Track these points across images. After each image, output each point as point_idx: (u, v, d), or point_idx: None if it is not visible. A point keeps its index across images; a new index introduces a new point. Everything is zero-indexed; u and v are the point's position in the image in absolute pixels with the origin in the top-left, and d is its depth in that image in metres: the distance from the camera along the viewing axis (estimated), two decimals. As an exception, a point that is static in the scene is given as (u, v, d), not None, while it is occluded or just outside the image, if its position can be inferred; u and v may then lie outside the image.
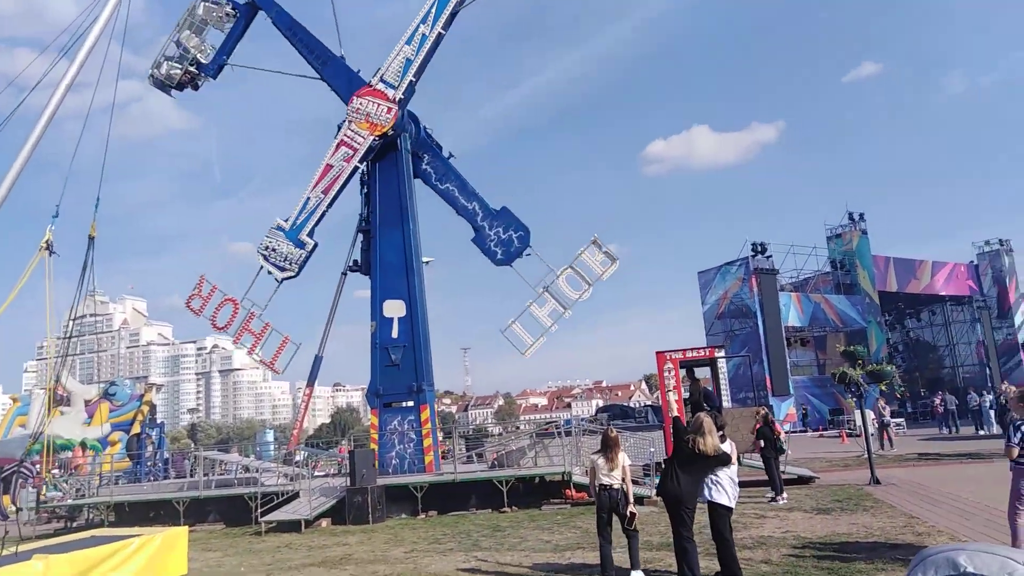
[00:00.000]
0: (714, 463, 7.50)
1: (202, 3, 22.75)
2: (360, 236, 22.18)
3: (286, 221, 21.72)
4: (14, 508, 11.51)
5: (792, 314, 45.52)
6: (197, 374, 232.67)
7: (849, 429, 33.55)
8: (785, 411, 41.80)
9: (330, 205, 21.74)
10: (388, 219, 21.30)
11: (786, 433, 22.97)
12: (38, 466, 27.73)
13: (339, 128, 21.59)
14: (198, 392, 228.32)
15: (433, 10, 20.92)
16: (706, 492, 7.72)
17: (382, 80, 21.27)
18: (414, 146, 22.20)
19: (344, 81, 21.88)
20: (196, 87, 23.56)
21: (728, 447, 8.05)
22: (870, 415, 24.91)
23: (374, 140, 21.14)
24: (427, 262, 38.45)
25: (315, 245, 21.74)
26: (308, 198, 21.66)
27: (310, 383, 24.08)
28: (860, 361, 21.10)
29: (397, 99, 21.12)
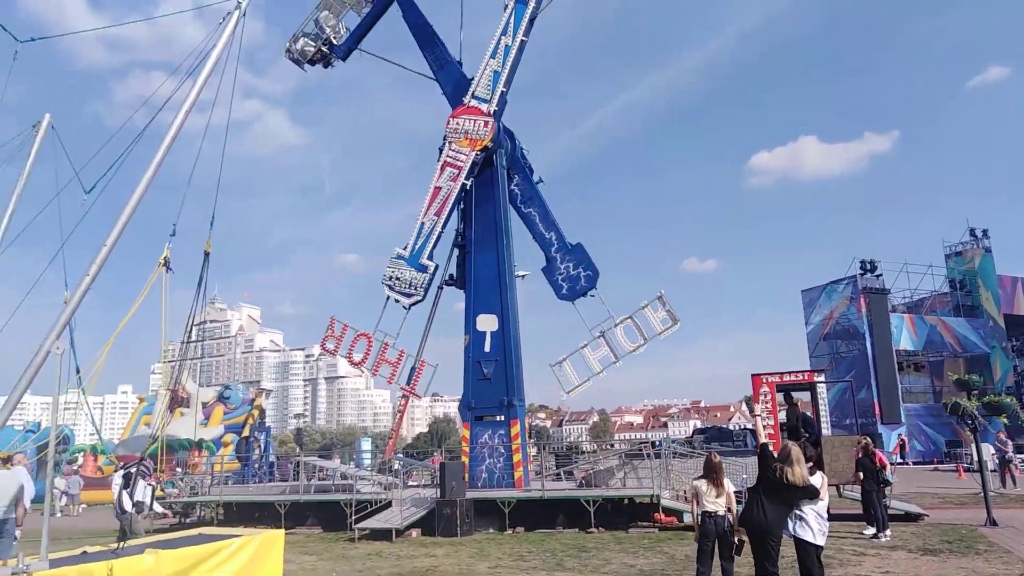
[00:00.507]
0: (801, 495, 7.28)
1: None
2: (456, 251, 22.73)
3: (404, 248, 22.06)
4: (132, 504, 12.46)
5: (905, 337, 43.05)
6: (305, 380, 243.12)
7: (967, 464, 31.31)
8: (895, 440, 39.47)
9: (444, 225, 22.15)
10: (483, 235, 21.73)
11: (893, 465, 21.72)
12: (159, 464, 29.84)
13: (440, 151, 22.21)
14: (305, 398, 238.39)
15: (512, 20, 21.51)
16: (790, 526, 7.48)
17: (474, 96, 21.79)
18: (508, 163, 22.61)
19: (453, 87, 22.61)
20: (326, 65, 24.66)
21: (817, 479, 7.77)
22: (989, 449, 23.25)
23: (476, 155, 21.64)
24: (522, 276, 38.66)
25: (436, 267, 22.06)
26: (423, 223, 22.10)
27: (406, 395, 24.76)
28: (976, 391, 19.59)
29: (491, 111, 21.59)
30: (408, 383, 23.22)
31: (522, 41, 21.67)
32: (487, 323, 21.07)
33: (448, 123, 21.87)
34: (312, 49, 24.08)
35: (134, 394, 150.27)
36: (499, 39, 21.64)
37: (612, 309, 20.58)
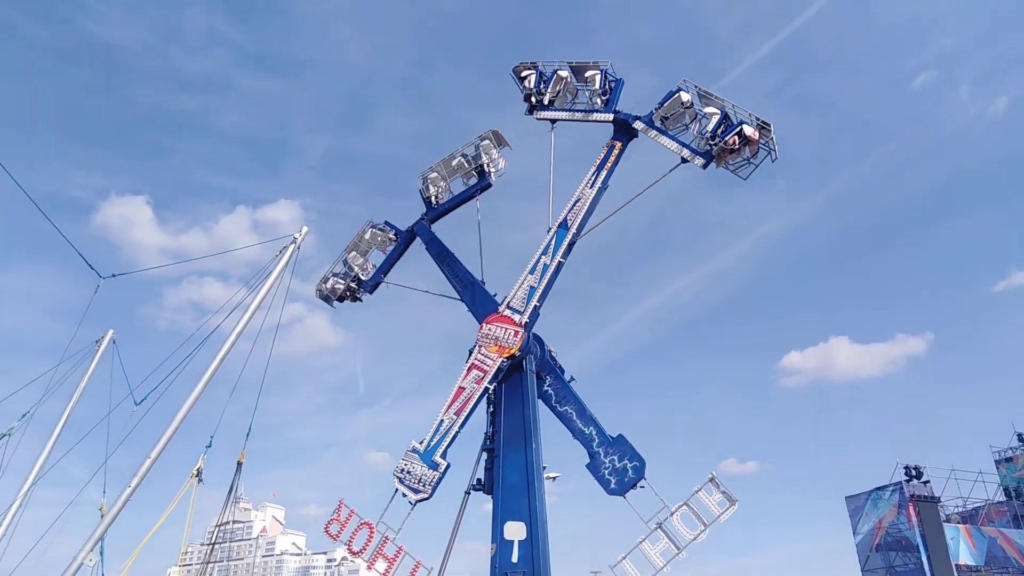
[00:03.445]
0: None
1: (370, 229, 25.89)
2: (484, 455, 22.64)
3: (421, 443, 22.38)
4: None
5: (963, 550, 40.26)
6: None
7: None
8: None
9: (462, 426, 22.54)
10: (512, 440, 21.78)
11: None
12: None
13: (470, 353, 23.04)
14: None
15: (552, 243, 23.02)
16: None
17: (508, 307, 22.93)
18: (537, 367, 23.20)
19: (481, 305, 23.75)
20: (355, 299, 26.18)
21: None
22: None
23: (503, 362, 22.33)
24: (553, 478, 37.86)
25: (448, 466, 22.13)
26: (441, 420, 22.54)
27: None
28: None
29: (523, 323, 22.54)
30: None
31: (559, 263, 23.00)
32: (515, 531, 20.51)
33: (481, 328, 22.88)
34: (341, 287, 25.82)
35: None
36: (539, 258, 23.05)
37: (666, 497, 20.00)
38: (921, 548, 39.02)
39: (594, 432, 21.67)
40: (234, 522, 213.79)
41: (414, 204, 25.95)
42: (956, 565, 39.17)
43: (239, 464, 10.51)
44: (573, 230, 23.04)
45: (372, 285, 25.97)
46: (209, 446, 10.88)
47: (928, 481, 41.51)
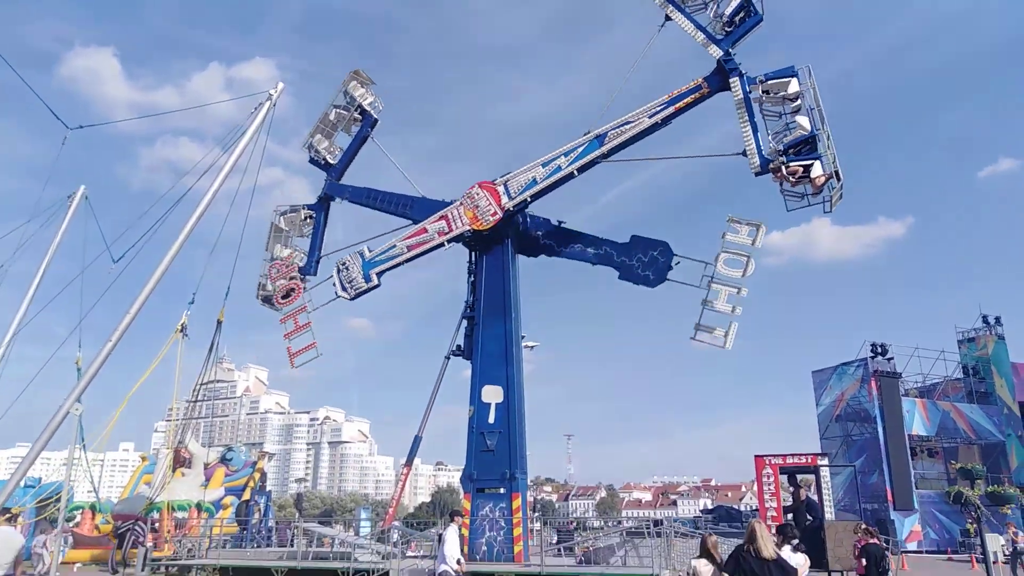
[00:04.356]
0: (776, 572, 7.20)
1: (281, 217, 24.77)
2: (464, 322, 22.97)
3: (370, 252, 23.21)
4: (126, 564, 12.43)
5: (917, 422, 42.49)
6: (308, 444, 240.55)
7: (979, 555, 30.50)
8: (909, 528, 38.53)
9: (408, 261, 22.89)
10: (491, 310, 21.98)
11: (904, 554, 21.25)
12: (156, 524, 29.49)
13: (450, 203, 22.60)
14: (307, 462, 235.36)
15: (579, 150, 21.03)
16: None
17: (504, 185, 21.90)
18: (524, 232, 23.00)
19: (431, 211, 22.91)
20: (302, 287, 24.16)
21: (799, 559, 7.74)
22: (999, 540, 22.71)
23: (468, 231, 22.10)
24: (531, 346, 38.50)
25: (378, 285, 23.03)
26: (395, 244, 22.93)
27: (408, 462, 24.67)
28: (981, 480, 19.25)
29: (506, 208, 21.70)
30: (410, 459, 23.22)
31: (572, 173, 21.12)
32: (492, 395, 21.13)
33: (472, 188, 22.19)
34: (283, 284, 23.95)
35: (136, 452, 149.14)
36: (558, 155, 21.25)
37: (701, 257, 20.35)
38: (878, 419, 41.03)
39: (608, 248, 21.94)
40: (217, 381, 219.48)
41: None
42: (909, 435, 41.44)
43: (219, 323, 10.48)
44: (605, 150, 20.75)
45: (314, 265, 24.65)
46: (192, 302, 10.83)
47: (892, 358, 43.05)
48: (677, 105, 20.01)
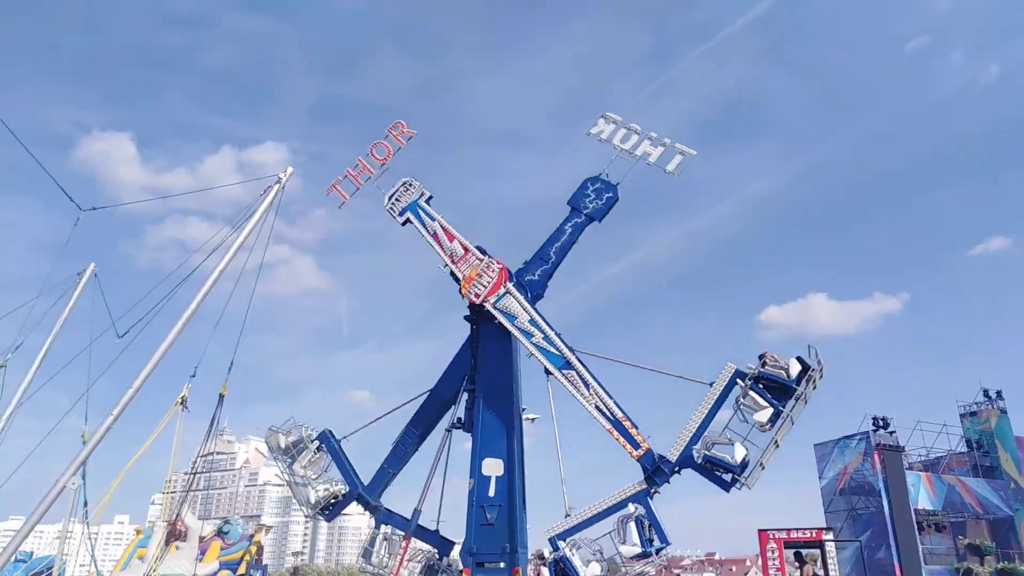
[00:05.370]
0: None
1: None
2: (465, 395, 23.05)
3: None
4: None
5: (923, 496, 41.92)
6: (306, 516, 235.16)
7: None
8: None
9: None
10: (492, 382, 22.15)
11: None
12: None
13: (460, 294, 22.74)
14: (305, 535, 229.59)
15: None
16: None
17: (518, 282, 22.36)
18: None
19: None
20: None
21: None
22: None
23: (460, 293, 22.53)
24: (532, 419, 38.52)
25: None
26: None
27: (407, 535, 24.37)
28: (991, 556, 18.98)
29: (484, 300, 22.11)
30: (409, 532, 23.04)
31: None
32: (492, 467, 21.13)
33: (496, 261, 22.57)
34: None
35: (131, 525, 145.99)
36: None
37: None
38: (883, 493, 40.51)
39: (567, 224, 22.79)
40: (217, 453, 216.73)
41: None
42: (915, 509, 40.82)
43: (221, 396, 10.75)
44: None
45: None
46: (193, 375, 11.12)
47: (894, 432, 42.84)
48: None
